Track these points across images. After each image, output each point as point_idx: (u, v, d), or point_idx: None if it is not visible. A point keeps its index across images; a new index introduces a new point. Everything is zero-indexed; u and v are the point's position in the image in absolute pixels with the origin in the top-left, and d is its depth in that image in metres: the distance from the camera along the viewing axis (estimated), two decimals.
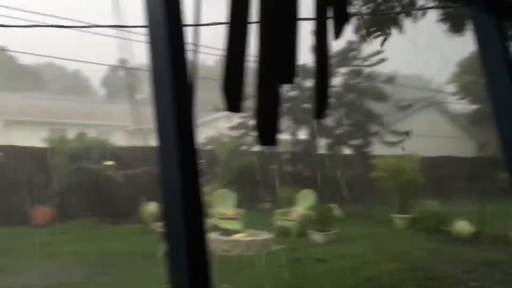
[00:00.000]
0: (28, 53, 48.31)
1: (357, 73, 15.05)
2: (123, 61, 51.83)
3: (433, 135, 20.96)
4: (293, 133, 15.78)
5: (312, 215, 10.42)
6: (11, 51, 44.95)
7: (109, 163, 12.20)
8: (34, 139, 23.66)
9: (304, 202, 11.24)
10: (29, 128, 27.38)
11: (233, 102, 1.05)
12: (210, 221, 10.32)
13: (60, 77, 58.83)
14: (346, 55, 14.45)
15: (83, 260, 8.29)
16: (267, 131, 1.04)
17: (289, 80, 1.10)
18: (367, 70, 14.94)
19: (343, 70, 15.10)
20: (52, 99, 40.07)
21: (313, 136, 15.42)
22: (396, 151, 14.66)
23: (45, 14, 11.44)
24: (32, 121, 28.36)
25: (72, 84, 60.26)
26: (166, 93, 1.14)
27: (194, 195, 1.10)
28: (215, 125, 24.16)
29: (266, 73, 1.04)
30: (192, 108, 1.14)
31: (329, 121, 15.97)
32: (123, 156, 13.19)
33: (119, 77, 57.09)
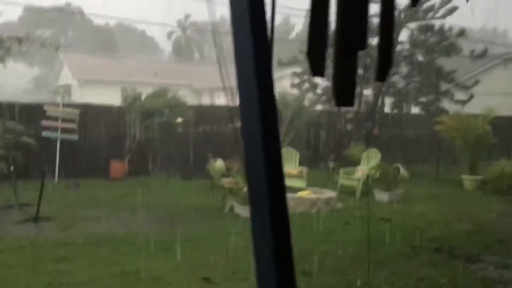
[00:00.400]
0: (101, 15, 50.05)
1: (426, 28, 14.32)
2: (186, 19, 52.24)
3: (509, 93, 19.79)
4: (360, 91, 15.46)
5: (377, 174, 10.35)
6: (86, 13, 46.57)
7: (180, 120, 12.64)
8: (107, 97, 24.90)
9: (370, 161, 11.16)
10: (102, 87, 28.78)
11: (317, 66, 1.13)
12: None
13: (129, 37, 60.52)
14: (414, 8, 13.74)
15: (155, 212, 8.82)
16: (345, 92, 1.12)
17: (363, 46, 1.16)
18: (437, 23, 14.18)
19: (411, 25, 14.42)
20: (123, 58, 41.53)
21: (379, 94, 15.04)
22: (467, 109, 14.05)
23: None
24: (105, 80, 29.69)
25: (141, 44, 61.95)
26: (247, 52, 1.23)
27: (275, 157, 1.21)
28: (278, 83, 24.16)
29: (344, 38, 1.11)
30: (271, 66, 1.24)
31: (396, 78, 15.49)
32: (193, 114, 13.58)
33: (184, 36, 58.04)
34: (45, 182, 9.46)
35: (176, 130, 12.90)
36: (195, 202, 9.72)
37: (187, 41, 57.73)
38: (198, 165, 12.89)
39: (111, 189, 10.88)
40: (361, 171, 10.80)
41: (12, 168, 9.04)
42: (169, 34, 57.86)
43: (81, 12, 47.42)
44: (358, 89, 15.11)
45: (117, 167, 12.20)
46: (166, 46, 60.47)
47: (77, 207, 8.95)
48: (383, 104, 15.54)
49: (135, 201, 9.64)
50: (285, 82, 24.17)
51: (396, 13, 11.20)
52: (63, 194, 10.00)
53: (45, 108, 11.86)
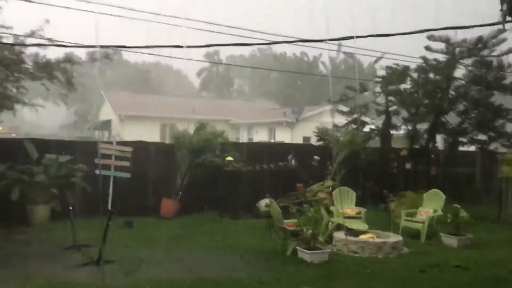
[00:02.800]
0: (139, 53, 51.51)
1: (483, 64, 13.91)
2: (217, 55, 52.99)
3: None
4: (413, 128, 15.04)
5: (443, 216, 9.80)
6: (126, 50, 47.89)
7: (230, 158, 12.43)
8: (147, 132, 25.05)
9: (433, 202, 10.62)
10: (142, 122, 29.16)
11: None
12: (333, 220, 10.15)
13: (165, 74, 61.89)
14: (474, 45, 13.42)
15: (214, 254, 8.50)
16: None
17: None
18: (495, 60, 13.76)
19: (468, 61, 14.05)
20: (160, 95, 42.21)
21: (433, 131, 14.57)
22: None
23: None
24: (144, 116, 30.12)
25: (176, 80, 63.25)
26: None
27: None
28: (321, 119, 23.94)
29: None
30: None
31: (451, 115, 15.03)
32: (236, 150, 13.37)
33: (214, 72, 59.04)
34: (96, 220, 9.34)
35: (226, 168, 12.68)
36: (252, 243, 9.37)
37: (218, 77, 58.62)
38: (248, 204, 12.61)
39: (164, 229, 10.64)
40: (424, 213, 10.27)
41: (70, 208, 8.90)
42: (201, 71, 58.94)
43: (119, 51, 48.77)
44: (411, 127, 14.73)
45: (168, 205, 12.00)
46: (199, 82, 61.54)
47: (135, 248, 8.72)
48: (437, 142, 15.06)
49: (191, 242, 9.38)
50: (326, 117, 23.93)
51: (450, 49, 10.87)
52: (119, 233, 9.77)
53: (100, 146, 11.83)
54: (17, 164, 10.70)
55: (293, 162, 14.02)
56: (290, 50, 57.42)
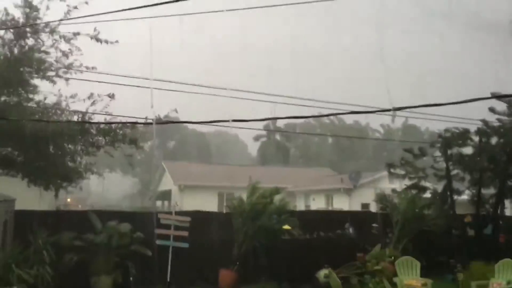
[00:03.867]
0: (199, 123, 53.83)
1: None
2: (272, 124, 54.03)
3: None
4: (477, 194, 14.37)
5: None
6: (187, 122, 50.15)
7: (287, 227, 12.32)
8: (206, 201, 25.45)
9: (504, 273, 9.91)
10: (200, 192, 29.73)
11: None
12: None
13: (222, 142, 63.58)
14: None
15: None
16: None
17: None
18: None
19: None
20: (218, 163, 43.17)
21: (500, 196, 13.86)
22: None
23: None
24: (202, 185, 30.75)
25: (233, 148, 64.67)
26: None
27: None
28: (379, 185, 23.43)
29: None
30: None
31: None
32: (293, 217, 13.23)
33: (271, 140, 59.92)
34: None
35: (283, 236, 12.54)
36: None
37: (275, 145, 59.32)
38: (307, 274, 12.27)
39: None
40: (497, 285, 9.58)
41: (131, 278, 9.07)
42: (256, 138, 60.03)
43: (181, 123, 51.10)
44: (476, 190, 14.12)
45: (226, 276, 11.90)
46: (256, 151, 62.49)
47: None
48: (503, 207, 14.26)
49: None
50: (385, 183, 23.39)
51: None
52: None
53: (159, 216, 12.16)
54: (83, 235, 11.14)
55: (350, 230, 13.67)
56: (342, 118, 57.70)
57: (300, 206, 31.09)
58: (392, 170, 15.47)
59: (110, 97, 11.19)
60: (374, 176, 28.93)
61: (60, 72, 10.92)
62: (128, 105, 12.27)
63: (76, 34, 10.52)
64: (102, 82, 11.47)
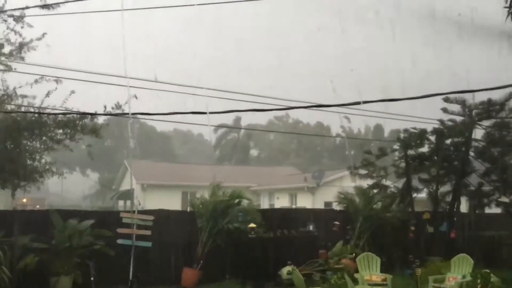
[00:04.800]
0: (160, 120, 53.03)
1: (502, 125, 13.95)
2: (236, 122, 54.02)
3: None
4: (433, 191, 14.87)
5: (472, 282, 9.45)
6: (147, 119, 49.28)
7: (252, 225, 12.36)
8: (169, 200, 25.20)
9: (461, 268, 10.30)
10: (163, 191, 29.43)
11: None
12: (358, 287, 9.88)
13: (185, 140, 63.06)
14: (491, 107, 13.53)
15: None
16: None
17: None
18: None
19: (486, 122, 14.11)
20: (180, 162, 42.81)
21: (456, 193, 14.38)
22: None
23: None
24: (165, 184, 30.45)
25: (196, 146, 64.22)
26: None
27: None
28: (342, 183, 23.83)
29: None
30: None
31: (472, 178, 14.88)
32: (261, 217, 13.30)
33: (234, 139, 60.02)
34: None
35: (247, 235, 12.58)
36: None
37: (238, 144, 59.45)
38: (270, 271, 12.37)
39: None
40: (453, 279, 9.94)
41: (92, 278, 8.90)
42: (221, 138, 59.94)
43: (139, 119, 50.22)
44: (433, 188, 14.60)
45: (189, 274, 11.85)
46: (219, 150, 62.38)
47: None
48: (459, 204, 14.79)
49: None
50: (348, 182, 23.82)
51: (467, 111, 10.99)
52: None
53: (121, 215, 11.96)
54: (41, 235, 10.83)
55: (311, 227, 13.88)
56: (304, 119, 58.38)
57: (264, 204, 31.26)
58: (353, 171, 15.81)
59: (57, 82, 10.84)
60: (337, 174, 29.41)
61: (14, 56, 10.55)
62: (88, 97, 11.95)
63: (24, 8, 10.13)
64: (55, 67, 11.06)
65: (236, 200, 12.93)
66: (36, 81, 10.65)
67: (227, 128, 54.48)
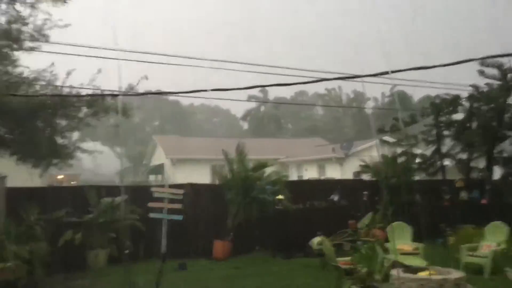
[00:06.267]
0: (184, 96, 53.19)
1: None
2: (263, 94, 53.70)
3: None
4: (468, 158, 14.53)
5: (507, 250, 9.26)
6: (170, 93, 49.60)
7: (280, 196, 12.39)
8: (198, 174, 25.44)
9: (495, 235, 10.08)
10: (193, 165, 29.73)
11: None
12: (389, 257, 9.81)
13: (212, 116, 63.29)
14: None
15: None
16: None
17: None
18: None
19: None
20: (209, 136, 43.03)
21: (489, 161, 14.02)
22: None
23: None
24: (195, 158, 30.73)
25: (225, 121, 64.44)
26: None
27: None
28: (371, 153, 23.55)
29: None
30: None
31: (506, 144, 14.46)
32: (286, 188, 13.31)
33: (261, 112, 59.78)
34: (151, 263, 9.51)
35: (276, 206, 12.63)
36: (305, 283, 9.20)
37: (266, 117, 59.24)
38: (300, 242, 12.42)
39: (217, 270, 10.65)
40: (487, 247, 9.75)
41: (126, 251, 9.13)
42: (249, 112, 59.83)
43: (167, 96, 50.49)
44: (466, 156, 14.26)
45: (220, 246, 12.04)
46: (247, 123, 62.42)
47: None
48: (491, 171, 14.43)
49: (244, 284, 9.31)
50: (375, 152, 23.50)
51: (503, 75, 10.53)
52: (173, 276, 9.90)
53: (152, 189, 12.14)
54: (77, 211, 11.14)
55: (336, 198, 13.80)
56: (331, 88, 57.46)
57: (293, 176, 31.28)
58: (382, 137, 15.54)
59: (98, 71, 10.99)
60: (366, 144, 29.06)
61: (38, 41, 10.70)
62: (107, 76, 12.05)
63: None
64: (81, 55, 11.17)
65: (264, 173, 12.94)
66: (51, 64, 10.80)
67: (255, 101, 54.35)
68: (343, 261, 8.45)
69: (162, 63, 11.92)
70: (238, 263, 11.28)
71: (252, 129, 58.74)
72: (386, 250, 10.10)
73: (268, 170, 13.36)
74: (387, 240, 10.76)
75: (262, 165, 13.04)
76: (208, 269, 10.87)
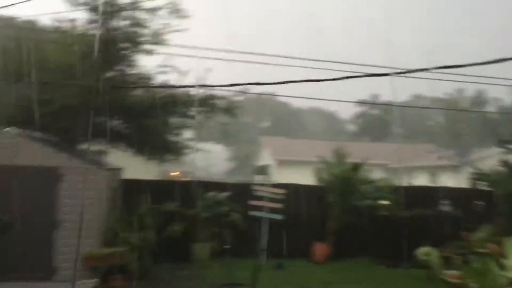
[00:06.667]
0: (293, 97, 53.48)
1: None
2: (374, 98, 52.09)
3: None
4: None
5: None
6: (280, 95, 50.18)
7: (386, 202, 11.87)
8: (303, 176, 25.39)
9: None
10: (298, 167, 29.76)
11: None
12: (505, 274, 8.88)
13: (320, 119, 62.91)
14: None
15: None
16: None
17: None
18: None
19: None
20: (315, 139, 42.83)
21: None
22: None
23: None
24: (300, 160, 30.75)
25: (330, 124, 63.71)
26: None
27: None
28: (488, 161, 21.65)
29: None
30: None
31: None
32: (392, 194, 12.68)
33: (370, 115, 57.95)
34: (250, 260, 9.63)
35: (381, 212, 12.10)
36: None
37: (374, 120, 57.41)
38: (405, 252, 11.77)
39: (315, 273, 10.49)
40: None
41: (227, 246, 9.36)
42: (357, 113, 58.54)
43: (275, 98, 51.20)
44: None
45: (321, 249, 11.84)
46: (354, 125, 61.09)
47: None
48: None
49: None
50: (494, 161, 21.55)
51: None
52: (270, 275, 9.93)
53: (254, 188, 12.36)
54: (185, 205, 11.68)
55: (446, 207, 12.80)
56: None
57: (402, 182, 29.88)
58: (505, 145, 14.12)
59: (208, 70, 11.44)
60: (485, 151, 26.83)
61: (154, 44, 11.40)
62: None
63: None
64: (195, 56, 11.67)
65: (369, 178, 12.50)
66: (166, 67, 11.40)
67: (363, 104, 53.00)
68: (452, 275, 7.83)
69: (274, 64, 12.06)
70: (338, 268, 11.00)
71: (360, 132, 57.34)
72: (501, 267, 9.17)
73: (374, 175, 12.87)
74: (503, 256, 9.75)
75: (356, 166, 12.60)
76: (307, 271, 10.74)
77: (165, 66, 11.39)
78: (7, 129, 8.75)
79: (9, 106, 10.30)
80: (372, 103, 52.46)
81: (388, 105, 50.90)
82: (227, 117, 12.48)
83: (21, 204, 8.39)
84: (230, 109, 12.06)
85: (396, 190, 12.81)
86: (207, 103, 11.90)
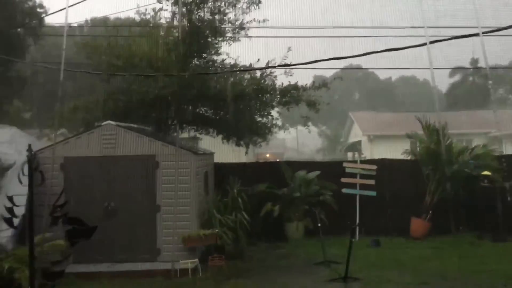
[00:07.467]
0: (381, 68, 51.50)
1: None
2: (474, 63, 48.53)
3: None
4: None
5: None
6: (369, 68, 48.45)
7: (486, 172, 11.10)
8: (396, 150, 24.52)
9: None
10: (390, 141, 28.76)
11: None
12: None
13: (410, 89, 60.03)
14: None
15: (470, 278, 7.64)
16: None
17: None
18: None
19: None
20: (406, 111, 41.01)
21: None
22: None
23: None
24: (391, 135, 29.68)
25: (423, 93, 60.53)
26: None
27: None
28: None
29: None
30: None
31: None
32: (496, 163, 11.79)
33: (469, 82, 53.99)
34: (344, 237, 9.55)
35: (480, 183, 11.33)
36: None
37: (474, 87, 53.54)
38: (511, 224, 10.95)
39: (413, 249, 10.14)
40: None
41: (319, 224, 9.38)
42: (452, 82, 54.96)
43: (362, 69, 49.68)
44: None
45: (418, 225, 11.41)
46: (449, 94, 57.45)
47: (381, 268, 8.54)
48: None
49: (443, 265, 8.66)
50: None
51: None
52: (365, 252, 9.80)
53: (344, 165, 12.19)
54: (276, 184, 11.86)
55: None
56: None
57: (507, 151, 27.72)
58: None
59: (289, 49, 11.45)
60: None
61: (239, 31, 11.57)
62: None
63: None
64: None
65: (468, 147, 11.76)
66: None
67: (458, 70, 49.56)
68: None
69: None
70: (438, 243, 10.54)
71: (457, 101, 53.82)
72: None
73: (474, 144, 12.06)
74: None
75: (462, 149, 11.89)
76: (404, 247, 10.43)
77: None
78: (105, 122, 9.38)
79: (107, 101, 11.09)
80: (471, 68, 48.75)
81: (483, 69, 47.17)
82: (310, 110, 12.34)
83: (124, 191, 9.02)
84: (312, 103, 11.96)
85: (498, 159, 11.92)
86: (290, 94, 11.88)
